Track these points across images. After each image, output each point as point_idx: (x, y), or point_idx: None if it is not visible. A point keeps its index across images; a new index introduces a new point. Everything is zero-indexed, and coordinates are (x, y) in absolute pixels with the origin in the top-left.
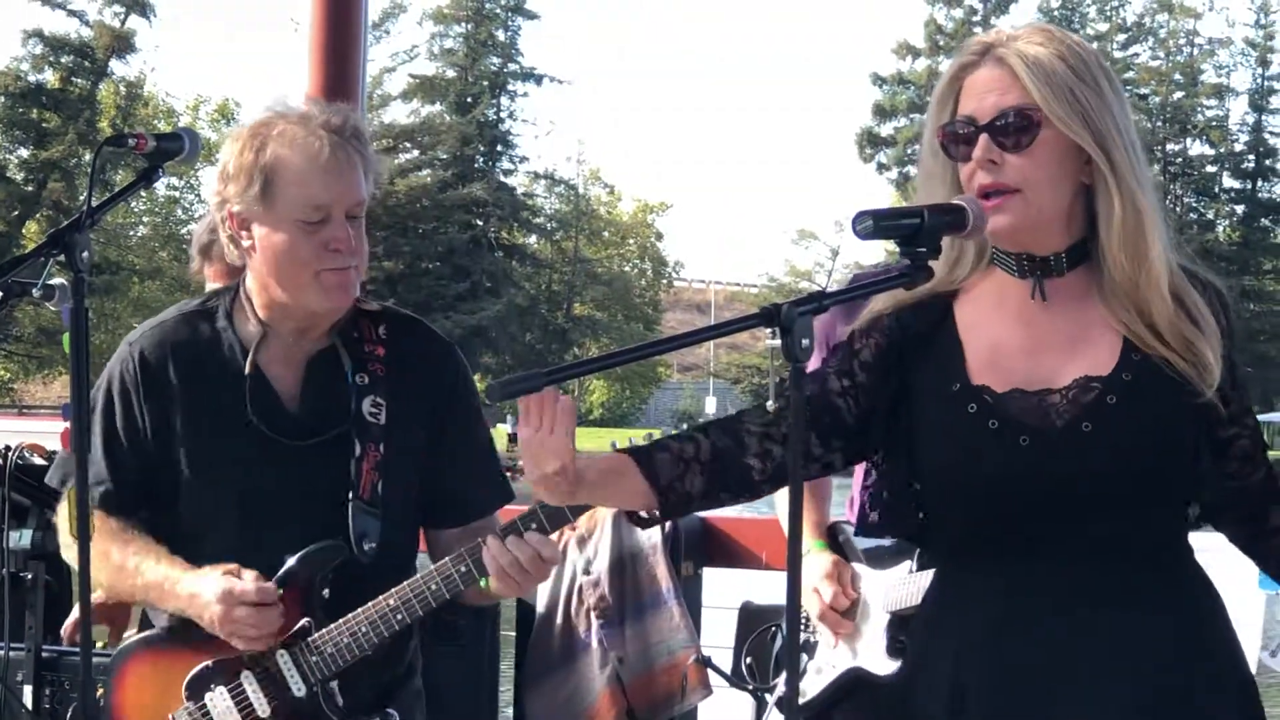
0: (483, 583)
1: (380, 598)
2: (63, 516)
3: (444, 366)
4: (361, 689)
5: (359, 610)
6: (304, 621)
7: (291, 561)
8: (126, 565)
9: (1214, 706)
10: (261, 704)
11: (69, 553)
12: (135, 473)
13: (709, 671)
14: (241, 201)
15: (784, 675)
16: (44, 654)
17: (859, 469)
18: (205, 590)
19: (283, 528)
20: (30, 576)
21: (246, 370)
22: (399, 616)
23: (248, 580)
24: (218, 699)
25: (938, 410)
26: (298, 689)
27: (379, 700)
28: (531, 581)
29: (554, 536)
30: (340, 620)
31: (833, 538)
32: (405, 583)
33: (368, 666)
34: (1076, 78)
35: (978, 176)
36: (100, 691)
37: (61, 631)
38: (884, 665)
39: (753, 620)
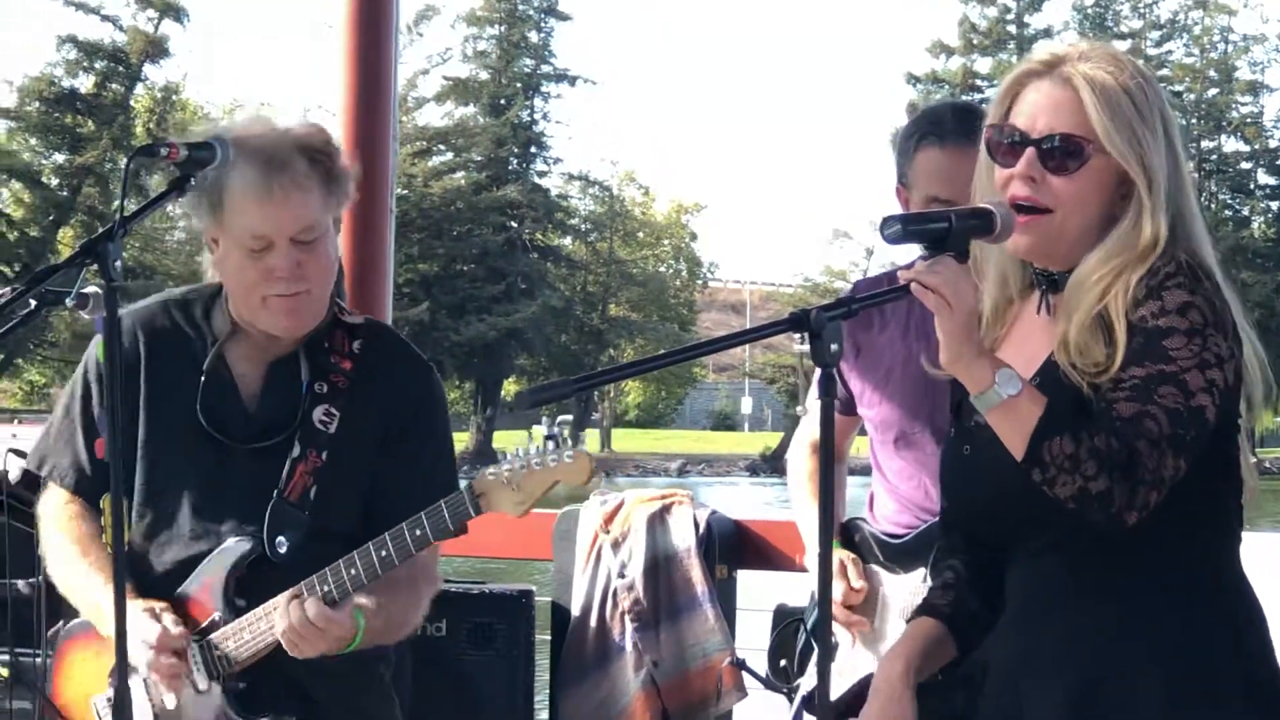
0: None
1: (280, 595)
2: (43, 510)
3: (409, 385)
4: (281, 692)
5: (259, 607)
6: (214, 615)
7: (209, 558)
8: (75, 576)
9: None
10: (169, 695)
11: (44, 547)
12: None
13: (744, 674)
14: (201, 220)
15: (808, 674)
16: None
17: (876, 465)
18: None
19: (220, 523)
20: None
21: (204, 366)
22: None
23: (163, 623)
24: (132, 685)
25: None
26: (201, 683)
27: (303, 707)
28: (310, 647)
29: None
30: (244, 616)
31: (848, 536)
32: (303, 581)
33: (295, 673)
34: (1138, 113)
35: (1014, 186)
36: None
37: None
38: None
39: (787, 622)
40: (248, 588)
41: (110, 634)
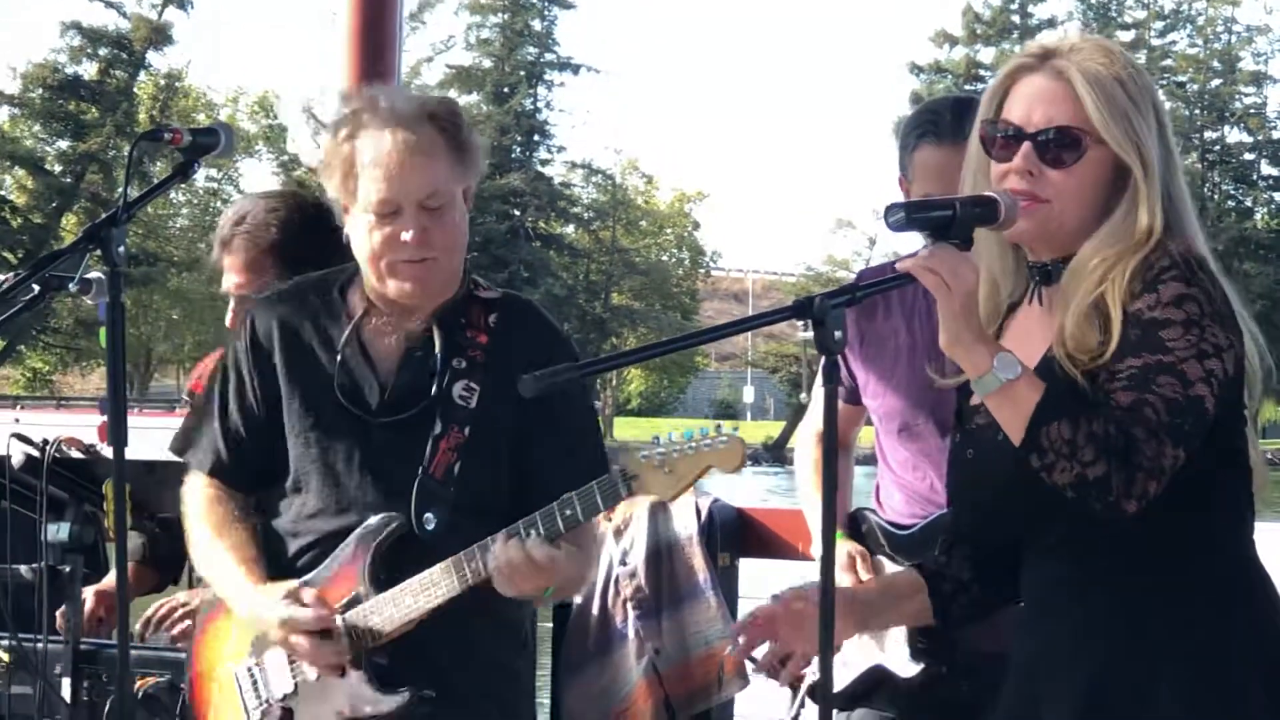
0: (548, 591)
1: (428, 570)
2: (185, 493)
3: (543, 360)
4: (420, 667)
5: (405, 582)
6: (357, 590)
7: (354, 534)
8: (213, 559)
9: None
10: (311, 671)
11: (186, 530)
12: (249, 443)
13: (746, 662)
14: (334, 190)
15: (813, 664)
16: (82, 647)
17: (882, 455)
18: (266, 613)
19: (363, 498)
20: (68, 569)
21: (340, 343)
22: (440, 590)
23: (307, 604)
24: (275, 656)
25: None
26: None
27: (442, 687)
28: (528, 584)
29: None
30: (389, 591)
31: (855, 526)
32: (450, 558)
33: (433, 647)
34: (1132, 102)
35: (1011, 180)
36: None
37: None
38: (906, 667)
39: None
40: (392, 563)
41: (244, 616)
